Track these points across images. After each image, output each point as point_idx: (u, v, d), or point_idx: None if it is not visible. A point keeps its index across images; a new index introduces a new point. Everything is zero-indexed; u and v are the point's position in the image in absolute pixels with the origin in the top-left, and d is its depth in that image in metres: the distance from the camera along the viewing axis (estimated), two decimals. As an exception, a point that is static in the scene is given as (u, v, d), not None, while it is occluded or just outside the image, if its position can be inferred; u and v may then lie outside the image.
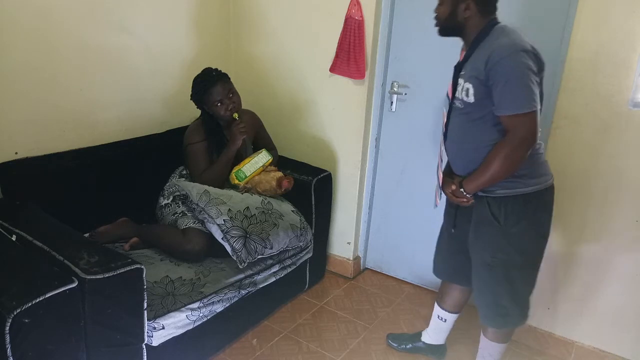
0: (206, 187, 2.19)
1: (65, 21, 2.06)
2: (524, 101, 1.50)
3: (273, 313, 2.46)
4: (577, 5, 1.91)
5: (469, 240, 1.80)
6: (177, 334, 1.85)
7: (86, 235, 2.04)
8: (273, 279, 2.26)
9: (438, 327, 2.15)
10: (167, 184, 2.34)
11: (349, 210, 2.75)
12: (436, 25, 1.70)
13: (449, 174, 1.82)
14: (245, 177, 2.33)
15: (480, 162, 1.64)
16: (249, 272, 2.14)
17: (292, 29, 2.64)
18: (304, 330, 2.37)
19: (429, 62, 2.38)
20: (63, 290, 1.38)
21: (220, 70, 2.33)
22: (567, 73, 1.99)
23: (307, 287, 2.65)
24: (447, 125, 1.77)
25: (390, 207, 2.74)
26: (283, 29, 2.67)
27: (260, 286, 2.19)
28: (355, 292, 2.71)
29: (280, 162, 2.59)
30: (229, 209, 2.10)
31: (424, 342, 2.21)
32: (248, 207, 2.17)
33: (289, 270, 2.35)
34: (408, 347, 2.24)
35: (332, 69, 2.51)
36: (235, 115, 2.31)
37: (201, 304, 1.91)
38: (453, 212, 1.87)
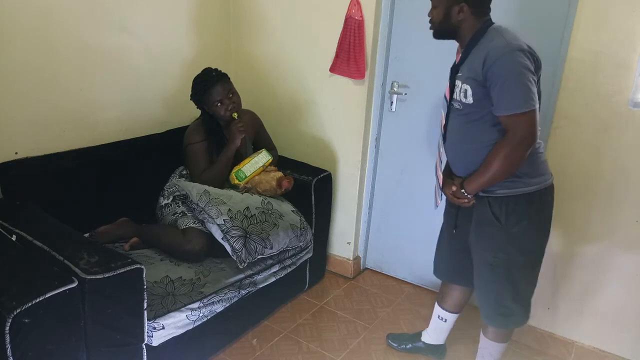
0: (206, 187, 2.19)
1: (65, 21, 2.06)
2: (522, 100, 1.51)
3: (273, 313, 2.46)
4: (577, 5, 1.92)
5: (470, 241, 1.80)
6: (177, 334, 1.85)
7: (86, 235, 2.04)
8: (273, 279, 2.26)
9: (438, 327, 2.15)
10: (167, 184, 2.34)
11: (349, 210, 2.75)
12: (431, 28, 1.71)
13: (448, 175, 1.83)
14: (245, 177, 2.33)
15: (480, 163, 1.64)
16: (249, 272, 2.14)
17: (292, 29, 2.64)
18: (304, 330, 2.37)
19: (429, 62, 2.38)
20: (63, 290, 1.38)
21: (220, 70, 2.33)
22: (567, 73, 1.99)
23: (307, 287, 2.65)
24: (445, 126, 1.77)
25: (390, 207, 2.74)
26: (283, 29, 2.67)
27: (260, 286, 2.19)
28: (355, 292, 2.71)
29: (280, 162, 2.59)
30: (229, 209, 2.10)
31: (424, 342, 2.21)
32: (248, 207, 2.17)
33: (289, 270, 2.35)
34: (408, 347, 2.24)
35: (332, 69, 2.51)
36: (235, 114, 2.31)
37: (201, 304, 1.91)
38: (454, 213, 1.87)
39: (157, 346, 1.77)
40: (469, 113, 1.65)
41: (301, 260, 2.44)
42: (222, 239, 2.05)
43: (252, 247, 2.07)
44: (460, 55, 1.68)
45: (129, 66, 2.35)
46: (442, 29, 1.68)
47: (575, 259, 2.17)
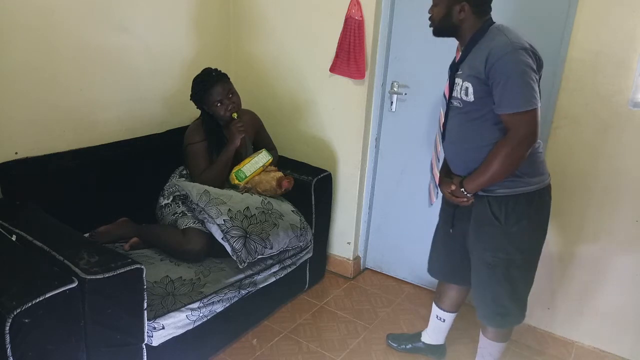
0: (206, 187, 2.19)
1: (65, 21, 2.06)
2: (524, 99, 1.51)
3: (273, 313, 2.46)
4: (577, 5, 1.91)
5: (469, 240, 1.80)
6: (177, 334, 1.85)
7: (86, 235, 2.04)
8: (273, 279, 2.26)
9: (437, 327, 2.15)
10: (167, 184, 2.34)
11: (349, 210, 2.75)
12: (431, 26, 1.71)
13: (447, 173, 1.83)
14: (245, 177, 2.33)
15: (480, 162, 1.64)
16: (249, 272, 2.14)
17: (292, 29, 2.64)
18: (304, 330, 2.37)
19: (429, 62, 2.38)
20: (63, 290, 1.38)
21: (220, 71, 2.33)
22: (567, 73, 1.99)
23: (307, 287, 2.65)
24: (444, 125, 1.77)
25: (390, 207, 2.74)
26: (283, 29, 2.67)
27: (260, 286, 2.19)
28: (355, 292, 2.71)
29: (280, 162, 2.59)
30: (229, 209, 2.11)
31: (423, 342, 2.21)
32: (248, 207, 2.17)
33: (289, 270, 2.35)
34: (408, 347, 2.24)
35: (332, 69, 2.51)
36: (235, 114, 2.31)
37: (201, 304, 1.91)
38: (451, 212, 1.87)
39: (157, 346, 1.78)
40: (469, 111, 1.65)
41: (301, 260, 2.44)
42: (222, 239, 2.05)
43: (252, 247, 2.07)
44: (461, 53, 1.68)
45: (129, 66, 2.35)
46: (442, 27, 1.68)
47: (575, 259, 2.17)
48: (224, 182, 2.35)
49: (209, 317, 1.96)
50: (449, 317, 2.11)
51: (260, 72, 2.82)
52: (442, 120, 1.77)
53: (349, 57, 2.43)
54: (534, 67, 1.52)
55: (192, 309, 1.87)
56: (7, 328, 1.28)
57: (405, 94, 2.51)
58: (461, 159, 1.75)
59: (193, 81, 2.32)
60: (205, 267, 2.08)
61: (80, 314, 1.45)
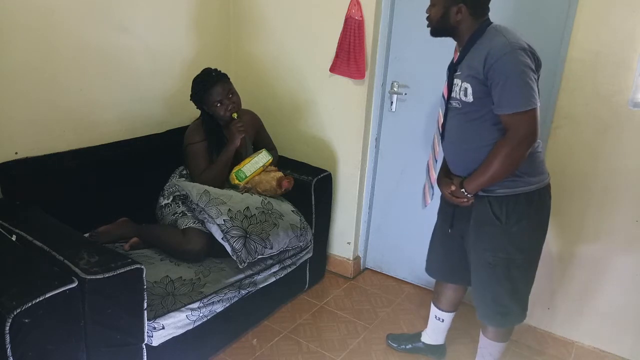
0: (206, 187, 2.19)
1: (65, 21, 2.06)
2: (523, 99, 1.51)
3: (273, 313, 2.46)
4: (577, 5, 1.91)
5: (469, 240, 1.80)
6: (177, 334, 1.85)
7: (86, 235, 2.04)
8: (273, 279, 2.26)
9: (436, 327, 2.15)
10: (167, 184, 2.34)
11: (349, 210, 2.75)
12: (428, 26, 1.71)
13: (447, 174, 1.83)
14: (246, 177, 2.33)
15: (480, 162, 1.64)
16: (249, 272, 2.14)
17: (292, 29, 2.64)
18: (304, 330, 2.37)
19: (429, 62, 2.38)
20: (63, 290, 1.38)
21: (220, 71, 2.33)
22: (567, 73, 1.99)
23: (307, 287, 2.65)
24: (444, 125, 1.77)
25: (390, 207, 2.74)
26: (283, 29, 2.67)
27: (260, 286, 2.19)
28: (355, 292, 2.71)
29: (280, 162, 2.59)
30: (229, 209, 2.10)
31: (423, 343, 2.21)
32: (248, 207, 2.17)
33: (289, 270, 2.35)
34: (408, 347, 2.24)
35: (332, 69, 2.51)
36: (235, 115, 2.31)
37: (201, 304, 1.91)
38: (450, 212, 1.87)
39: (157, 346, 1.78)
40: (468, 112, 1.65)
41: (301, 260, 2.44)
42: (222, 239, 2.05)
43: (252, 247, 2.07)
44: (459, 53, 1.68)
45: (129, 66, 2.35)
46: (439, 28, 1.68)
47: (575, 259, 2.17)
48: (224, 182, 2.35)
49: (209, 317, 1.96)
50: (448, 316, 2.11)
51: (260, 72, 2.82)
52: (441, 121, 1.77)
53: (349, 57, 2.43)
54: (533, 67, 1.52)
55: (192, 309, 1.87)
56: (7, 328, 1.28)
57: (405, 94, 2.51)
58: (461, 159, 1.75)
59: (193, 81, 2.32)
60: (205, 267, 2.08)
61: (80, 314, 1.45)
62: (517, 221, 1.66)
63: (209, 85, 2.26)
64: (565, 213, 2.11)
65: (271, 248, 2.15)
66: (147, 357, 1.70)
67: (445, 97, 1.73)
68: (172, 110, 2.60)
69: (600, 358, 2.21)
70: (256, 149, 2.48)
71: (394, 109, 2.57)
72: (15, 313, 1.28)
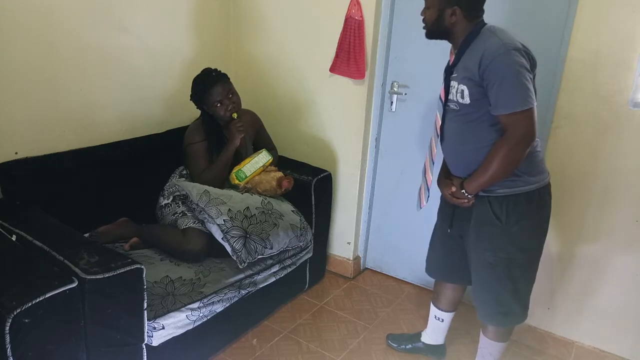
0: (206, 187, 2.19)
1: (65, 21, 2.06)
2: (520, 99, 1.51)
3: (273, 313, 2.46)
4: (577, 5, 1.91)
5: (469, 240, 1.80)
6: (177, 334, 1.85)
7: (86, 235, 2.04)
8: (273, 279, 2.26)
9: (436, 327, 2.16)
10: (167, 184, 2.34)
11: (349, 210, 2.75)
12: (423, 28, 1.71)
13: (447, 175, 1.83)
14: (246, 177, 2.33)
15: (480, 163, 1.64)
16: (249, 272, 2.14)
17: (292, 29, 2.64)
18: (304, 330, 2.37)
19: (429, 62, 2.38)
20: (63, 290, 1.38)
21: (220, 71, 2.33)
22: (567, 73, 1.99)
23: (307, 287, 2.65)
24: (442, 127, 1.77)
25: (390, 207, 2.74)
26: (283, 29, 2.67)
27: (260, 286, 2.19)
28: (355, 292, 2.71)
29: (280, 162, 2.59)
30: (229, 209, 2.11)
31: (423, 343, 2.21)
32: (248, 207, 2.17)
33: (289, 270, 2.35)
34: (408, 347, 2.24)
35: (332, 69, 2.51)
36: (235, 114, 2.31)
37: (201, 304, 1.91)
38: (450, 212, 1.87)
39: (157, 346, 1.78)
40: (466, 114, 1.65)
41: (301, 260, 2.44)
42: (222, 239, 2.05)
43: (252, 247, 2.07)
44: (454, 56, 1.68)
45: (129, 66, 2.35)
46: (434, 30, 1.68)
47: (575, 259, 2.17)
48: (224, 182, 2.35)
49: (209, 317, 1.96)
50: (447, 316, 2.11)
51: (260, 72, 2.82)
52: (439, 123, 1.78)
53: (349, 57, 2.43)
54: (528, 66, 1.53)
55: (192, 309, 1.87)
56: (7, 328, 1.28)
57: (405, 94, 2.51)
58: (460, 160, 1.75)
59: (193, 81, 2.32)
60: (205, 267, 2.08)
61: (80, 314, 1.45)
62: (517, 221, 1.66)
63: (209, 85, 2.26)
64: (565, 213, 2.11)
65: (271, 248, 2.15)
66: (147, 357, 1.70)
67: (443, 99, 1.74)
68: (172, 110, 2.60)
69: (600, 358, 2.21)
70: (256, 149, 2.48)
71: (394, 109, 2.57)
72: (15, 313, 1.28)
